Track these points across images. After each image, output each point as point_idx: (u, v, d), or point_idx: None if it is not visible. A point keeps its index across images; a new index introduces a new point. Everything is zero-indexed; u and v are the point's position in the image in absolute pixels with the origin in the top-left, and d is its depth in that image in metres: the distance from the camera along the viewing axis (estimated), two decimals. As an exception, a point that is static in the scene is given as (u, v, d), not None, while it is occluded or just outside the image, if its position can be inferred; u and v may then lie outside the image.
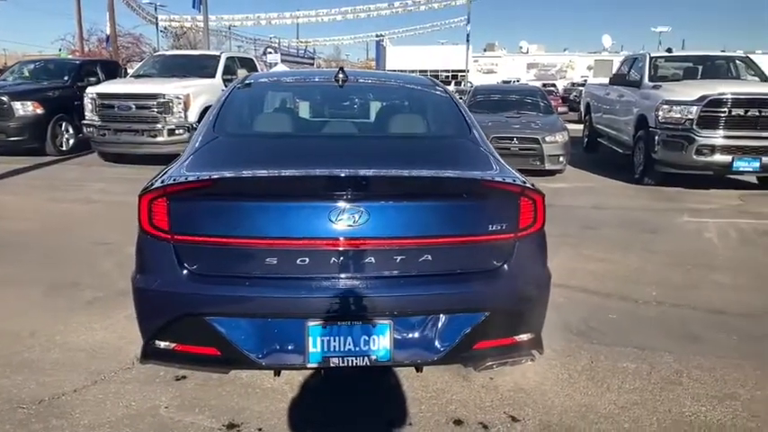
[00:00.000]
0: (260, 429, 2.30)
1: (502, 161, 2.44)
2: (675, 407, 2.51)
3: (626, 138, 8.71)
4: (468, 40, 37.37)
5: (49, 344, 3.02)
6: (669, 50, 8.81)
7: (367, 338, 2.03)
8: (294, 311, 2.01)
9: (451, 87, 15.19)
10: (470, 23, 37.79)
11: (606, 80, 10.94)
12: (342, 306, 2.01)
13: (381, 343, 2.03)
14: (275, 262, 2.01)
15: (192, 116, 8.89)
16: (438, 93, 3.18)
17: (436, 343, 2.08)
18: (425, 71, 63.12)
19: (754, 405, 2.53)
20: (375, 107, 3.23)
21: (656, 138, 7.38)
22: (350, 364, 2.04)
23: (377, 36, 45.75)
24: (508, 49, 60.60)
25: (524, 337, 2.19)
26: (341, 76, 3.01)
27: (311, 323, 2.01)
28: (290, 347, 2.03)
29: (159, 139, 8.77)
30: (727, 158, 7.02)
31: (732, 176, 7.65)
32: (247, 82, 3.31)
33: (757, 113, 6.90)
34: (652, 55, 8.77)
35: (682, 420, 2.41)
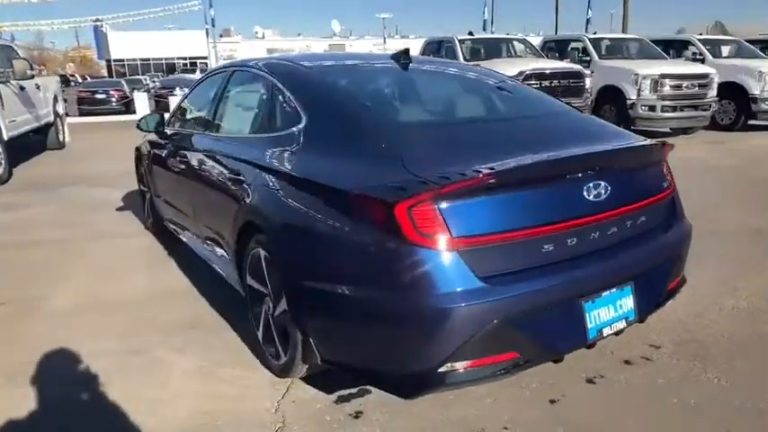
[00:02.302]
0: (506, 428, 2.20)
1: None
2: (733, 302, 3.24)
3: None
4: (213, 25, 35.59)
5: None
6: (471, 33, 10.23)
7: (620, 303, 2.18)
8: (573, 292, 2.04)
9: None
10: (212, 7, 35.91)
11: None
12: (604, 277, 2.14)
13: (628, 304, 2.21)
14: (552, 248, 1.98)
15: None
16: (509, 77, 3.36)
17: (655, 292, 2.35)
18: (159, 59, 57.97)
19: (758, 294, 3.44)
20: (484, 90, 3.16)
21: (488, 109, 8.64)
22: (614, 330, 2.16)
23: (95, 21, 39.55)
24: (244, 34, 59.70)
25: (682, 275, 2.61)
26: (403, 61, 2.95)
27: (584, 300, 2.07)
28: (572, 329, 2.06)
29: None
30: (543, 121, 8.72)
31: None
32: (324, 65, 2.94)
33: (557, 83, 8.72)
34: (459, 38, 10.07)
35: (747, 311, 3.13)
